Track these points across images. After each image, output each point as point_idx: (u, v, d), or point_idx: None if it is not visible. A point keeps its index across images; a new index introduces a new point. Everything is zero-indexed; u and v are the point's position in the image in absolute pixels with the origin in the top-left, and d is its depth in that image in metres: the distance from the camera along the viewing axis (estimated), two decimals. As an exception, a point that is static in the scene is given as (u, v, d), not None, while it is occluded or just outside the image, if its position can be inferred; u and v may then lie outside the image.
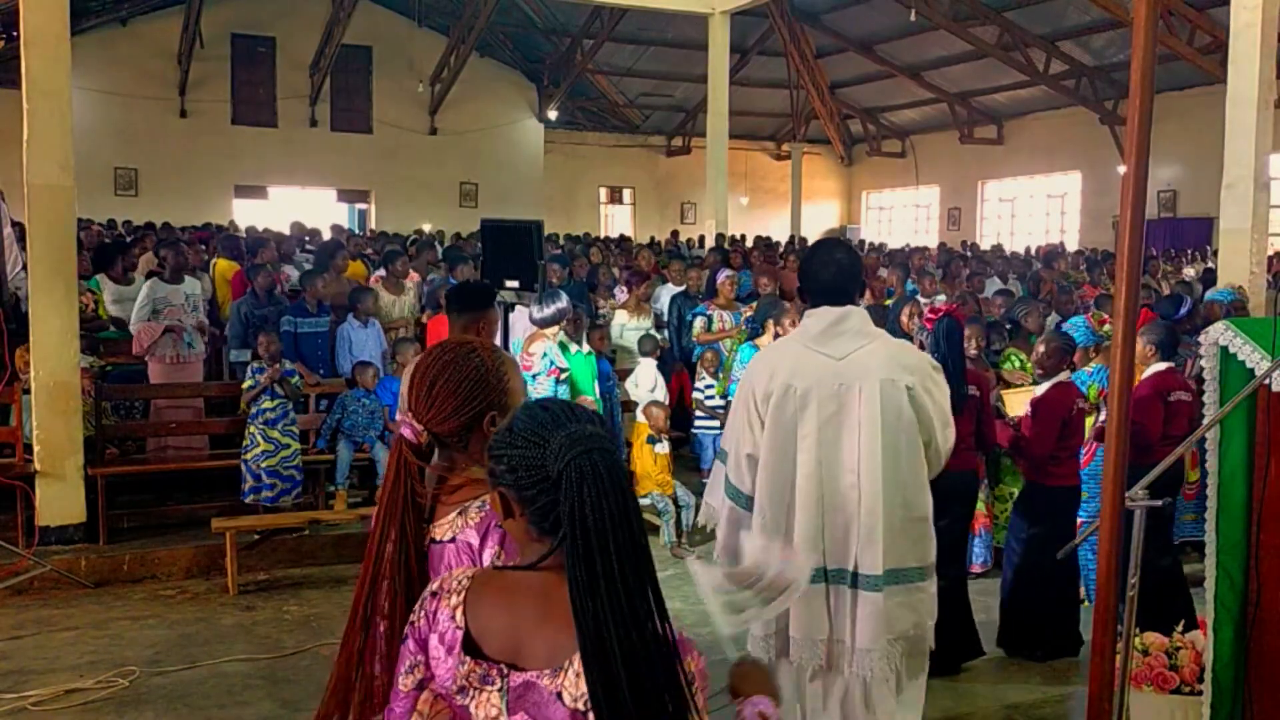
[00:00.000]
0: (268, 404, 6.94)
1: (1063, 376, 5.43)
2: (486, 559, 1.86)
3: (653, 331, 8.98)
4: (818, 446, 3.29)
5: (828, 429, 3.29)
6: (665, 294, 10.08)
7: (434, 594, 1.69)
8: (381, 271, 9.59)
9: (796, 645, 3.32)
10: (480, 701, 1.62)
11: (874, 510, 3.27)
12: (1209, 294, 8.47)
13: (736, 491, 3.45)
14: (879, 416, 3.28)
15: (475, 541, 1.88)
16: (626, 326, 9.19)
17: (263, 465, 6.87)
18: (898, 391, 3.31)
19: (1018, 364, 7.25)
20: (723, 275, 9.34)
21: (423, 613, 1.68)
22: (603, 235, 22.99)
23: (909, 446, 3.33)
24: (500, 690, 1.60)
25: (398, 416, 2.01)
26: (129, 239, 12.33)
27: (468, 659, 1.63)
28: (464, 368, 1.99)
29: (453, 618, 1.64)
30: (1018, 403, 5.99)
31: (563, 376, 6.37)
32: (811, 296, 3.45)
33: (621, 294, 10.01)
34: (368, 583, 1.90)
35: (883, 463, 3.27)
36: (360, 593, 1.91)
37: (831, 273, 3.41)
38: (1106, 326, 6.24)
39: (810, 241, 22.11)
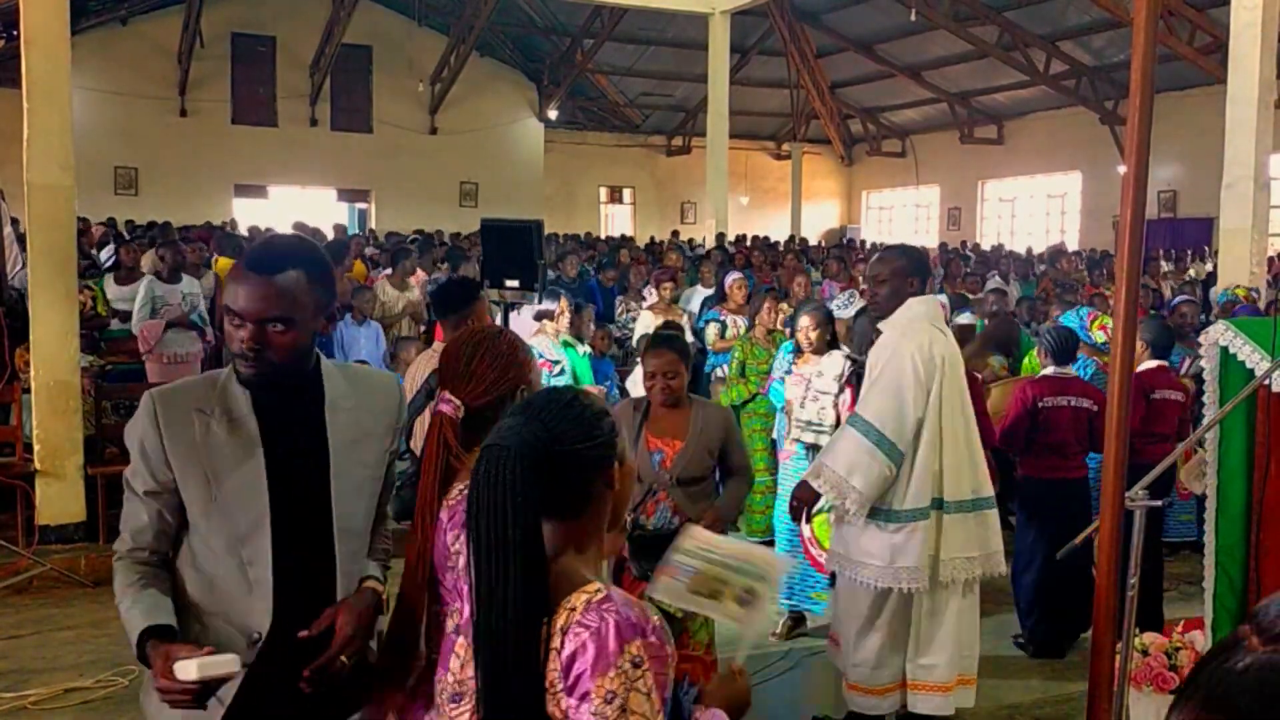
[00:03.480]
0: None
1: (1049, 370, 5.48)
2: (449, 538, 1.96)
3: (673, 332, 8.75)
4: (955, 403, 4.13)
5: (956, 389, 4.15)
6: (696, 297, 9.80)
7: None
8: (388, 270, 9.60)
9: (946, 565, 4.08)
10: None
11: (979, 448, 4.23)
12: (1217, 295, 8.43)
13: (898, 454, 4.02)
14: (964, 378, 4.27)
15: (446, 519, 2.00)
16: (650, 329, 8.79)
17: None
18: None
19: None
20: (731, 278, 8.88)
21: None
22: (603, 235, 22.97)
23: None
24: None
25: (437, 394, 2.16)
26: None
27: None
28: (497, 345, 2.15)
29: None
30: (999, 397, 5.98)
31: (555, 370, 6.42)
32: (921, 285, 4.25)
33: (651, 295, 9.66)
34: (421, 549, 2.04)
35: (972, 413, 4.24)
36: (417, 561, 2.04)
37: (926, 267, 4.36)
38: (1101, 334, 6.20)
39: (813, 242, 22.12)
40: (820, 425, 5.56)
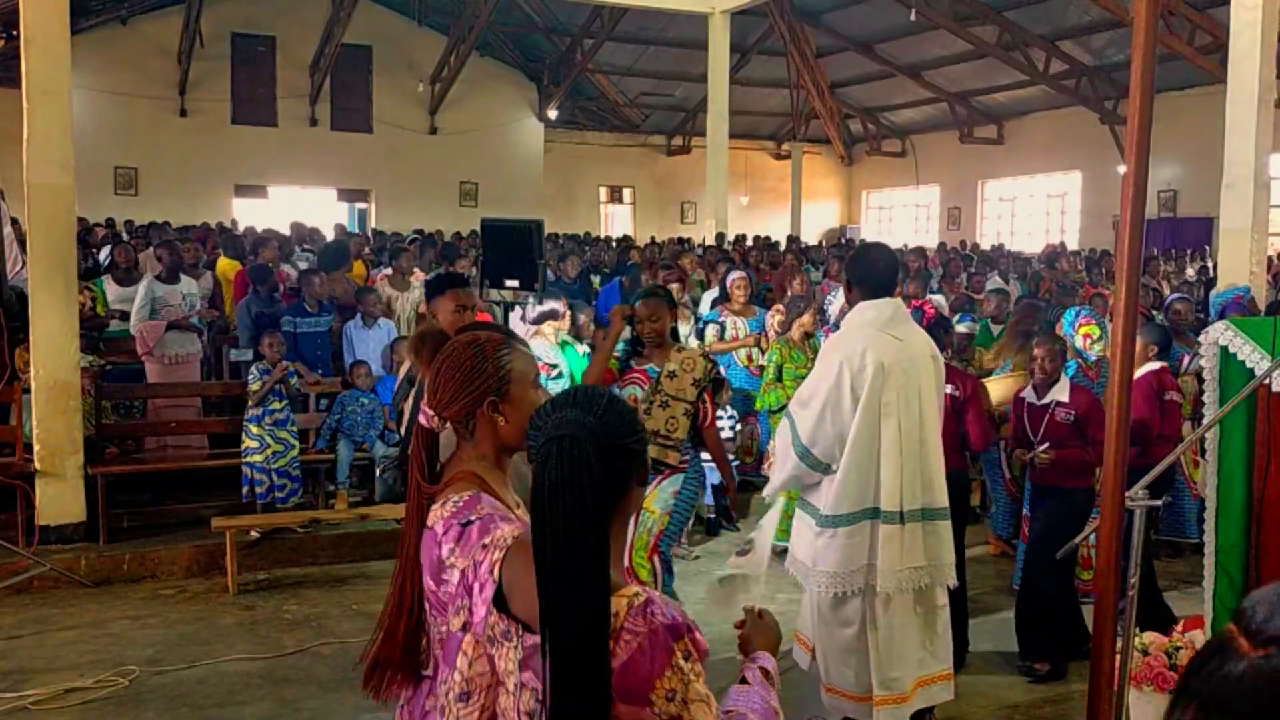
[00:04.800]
0: (276, 405, 6.97)
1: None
2: (444, 551, 1.92)
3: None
4: (898, 411, 3.98)
5: (903, 397, 3.99)
6: (707, 299, 9.58)
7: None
8: (388, 270, 9.60)
9: (886, 576, 3.95)
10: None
11: (936, 458, 4.08)
12: (1218, 296, 8.44)
13: (818, 463, 4.01)
14: (931, 386, 4.10)
15: (440, 531, 1.95)
16: None
17: (274, 466, 6.90)
18: (938, 367, 4.19)
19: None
20: (733, 276, 8.60)
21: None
22: (603, 235, 22.96)
23: (939, 409, 4.20)
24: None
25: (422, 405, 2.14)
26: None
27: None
28: (460, 357, 2.09)
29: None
30: (996, 391, 5.95)
31: (554, 373, 6.41)
32: (865, 290, 4.10)
33: None
34: (406, 550, 2.07)
35: (934, 421, 4.10)
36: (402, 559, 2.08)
37: (884, 270, 4.17)
38: (1093, 344, 6.17)
39: (807, 242, 22.13)
40: (668, 438, 4.78)
